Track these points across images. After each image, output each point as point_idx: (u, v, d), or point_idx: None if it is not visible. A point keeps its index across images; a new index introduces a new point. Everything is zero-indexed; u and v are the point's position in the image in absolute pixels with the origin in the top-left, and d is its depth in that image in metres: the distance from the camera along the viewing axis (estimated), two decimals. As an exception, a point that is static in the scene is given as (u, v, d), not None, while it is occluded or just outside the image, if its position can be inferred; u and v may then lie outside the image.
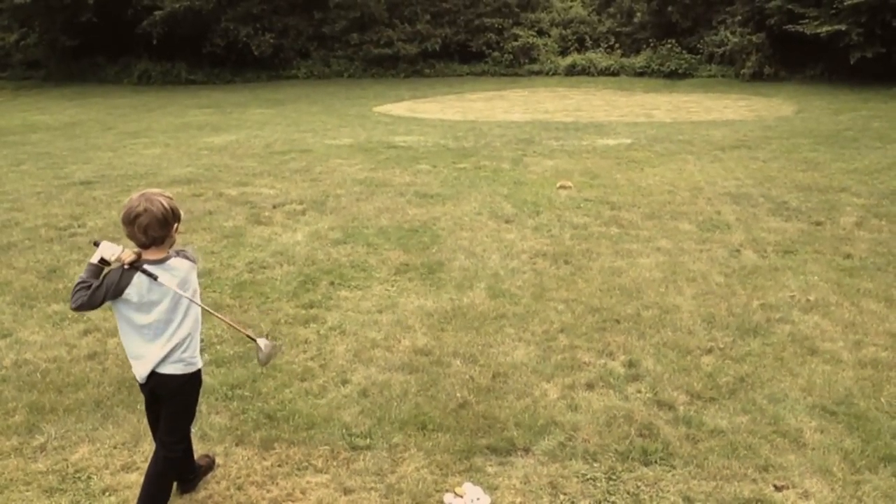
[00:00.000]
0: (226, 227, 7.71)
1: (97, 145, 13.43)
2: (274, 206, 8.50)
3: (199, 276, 6.19)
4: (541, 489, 3.43)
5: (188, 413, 3.27)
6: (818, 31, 19.92)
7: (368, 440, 3.80)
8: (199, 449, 3.72)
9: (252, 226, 7.77)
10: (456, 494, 3.34)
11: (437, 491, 3.41)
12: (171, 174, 10.46)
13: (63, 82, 26.80)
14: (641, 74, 24.62)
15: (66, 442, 3.80)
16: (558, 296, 5.71)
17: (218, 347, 4.88)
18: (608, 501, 3.37)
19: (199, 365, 3.24)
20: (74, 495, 3.37)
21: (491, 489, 3.42)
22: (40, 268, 6.49)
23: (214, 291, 5.87)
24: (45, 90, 25.40)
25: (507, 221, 7.78)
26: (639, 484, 3.48)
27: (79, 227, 7.81)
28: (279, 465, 3.62)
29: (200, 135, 14.45)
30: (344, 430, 3.88)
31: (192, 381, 3.20)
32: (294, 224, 7.81)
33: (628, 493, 3.42)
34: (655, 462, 3.63)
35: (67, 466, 3.60)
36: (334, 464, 3.62)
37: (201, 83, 26.44)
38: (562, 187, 9.27)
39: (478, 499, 3.30)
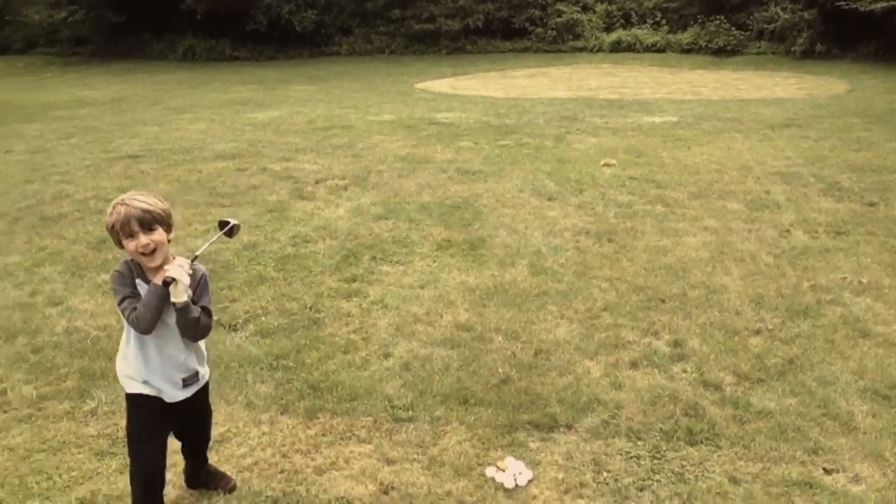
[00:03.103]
0: (269, 201, 7.77)
1: (143, 120, 13.62)
2: (316, 182, 8.54)
3: (245, 248, 6.32)
4: (583, 466, 3.41)
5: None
6: (872, 7, 19.26)
7: (410, 412, 3.81)
8: (244, 417, 3.77)
9: (295, 200, 7.81)
10: (498, 468, 3.34)
11: (479, 464, 3.41)
12: (216, 149, 10.56)
13: (109, 58, 27.19)
14: (688, 51, 24.09)
15: (116, 407, 3.88)
16: (602, 274, 5.65)
17: (263, 319, 4.94)
18: (652, 480, 3.33)
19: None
20: (124, 458, 3.42)
21: (533, 464, 3.40)
22: (90, 238, 6.62)
23: (259, 264, 5.93)
24: (92, 66, 25.83)
25: (549, 199, 7.70)
26: (684, 463, 3.44)
27: (127, 199, 7.92)
28: (323, 435, 3.65)
29: (244, 111, 14.56)
30: (386, 402, 3.90)
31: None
32: (336, 199, 7.84)
33: (673, 472, 3.38)
34: (701, 442, 3.58)
35: (117, 431, 3.67)
36: (377, 434, 3.65)
37: (245, 59, 26.61)
38: (606, 165, 9.15)
39: (520, 473, 3.30)
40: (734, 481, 3.32)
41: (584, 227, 6.77)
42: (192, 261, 2.79)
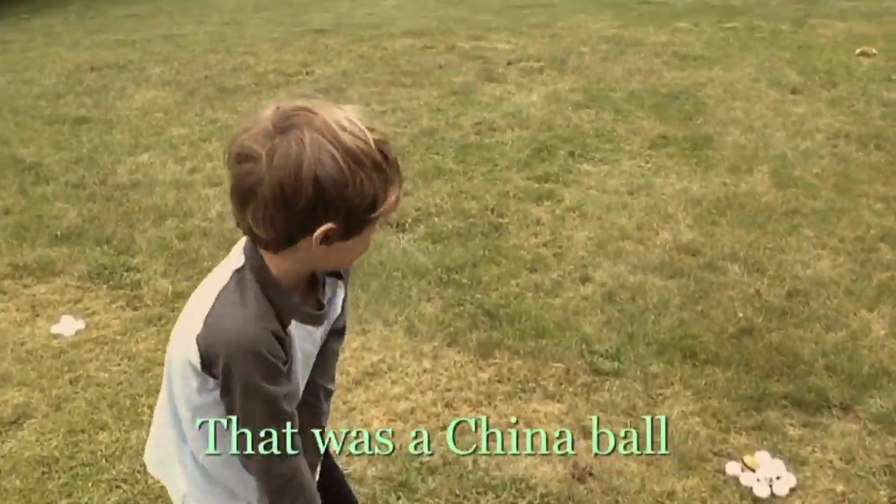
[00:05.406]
0: (455, 82, 6.89)
1: (337, -6, 13.12)
2: (508, 63, 7.53)
3: (423, 134, 5.53)
4: (873, 474, 2.34)
5: None
6: None
7: (616, 364, 2.88)
8: (403, 345, 3.02)
9: (483, 83, 6.87)
10: (745, 466, 2.35)
11: (715, 454, 2.43)
12: (404, 26, 9.79)
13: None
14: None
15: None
16: (873, 191, 4.31)
17: (436, 219, 4.13)
18: (984, 512, 2.23)
19: None
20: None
21: (795, 464, 2.38)
22: (262, 115, 6.11)
23: (437, 154, 5.11)
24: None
25: (793, 91, 6.22)
26: None
27: (306, 74, 7.39)
28: (499, 381, 2.82)
29: (436, -14, 13.64)
30: (584, 346, 2.98)
31: None
32: (530, 83, 6.81)
33: None
34: None
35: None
36: (570, 390, 2.76)
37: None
38: (863, 54, 7.39)
39: (778, 477, 2.29)
40: None
41: (842, 128, 5.33)
42: None
